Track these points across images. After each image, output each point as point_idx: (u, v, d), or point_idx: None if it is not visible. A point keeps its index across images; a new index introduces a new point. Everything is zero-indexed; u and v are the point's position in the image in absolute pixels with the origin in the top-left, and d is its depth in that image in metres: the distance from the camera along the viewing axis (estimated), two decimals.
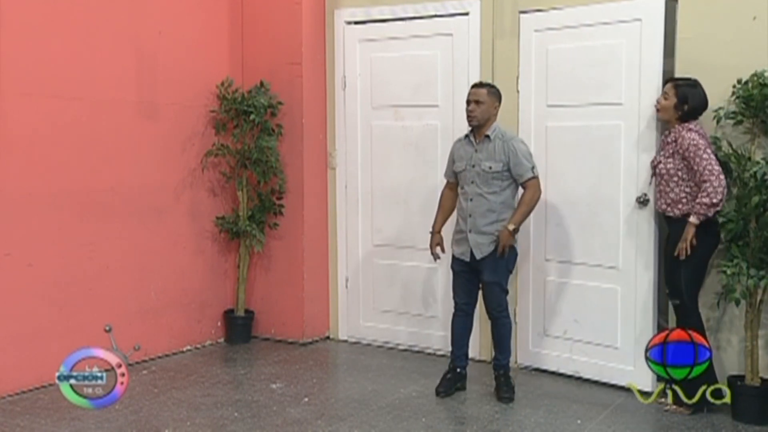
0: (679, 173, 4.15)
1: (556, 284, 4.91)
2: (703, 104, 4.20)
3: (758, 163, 4.01)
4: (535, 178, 4.38)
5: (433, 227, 4.68)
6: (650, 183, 4.42)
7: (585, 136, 4.72)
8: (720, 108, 4.18)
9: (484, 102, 4.40)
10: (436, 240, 4.66)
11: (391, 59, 5.44)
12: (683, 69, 4.39)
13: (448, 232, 4.67)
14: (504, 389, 4.49)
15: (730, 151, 4.15)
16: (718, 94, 4.24)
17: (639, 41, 4.47)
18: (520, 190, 4.46)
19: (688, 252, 4.08)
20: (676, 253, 4.12)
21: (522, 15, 4.91)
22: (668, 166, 4.19)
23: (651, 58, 4.44)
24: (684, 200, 4.15)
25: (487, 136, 4.42)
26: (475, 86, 4.52)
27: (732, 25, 4.30)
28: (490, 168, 4.38)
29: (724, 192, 3.98)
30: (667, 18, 4.42)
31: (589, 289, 4.76)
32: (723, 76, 4.23)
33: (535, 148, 4.89)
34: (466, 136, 4.53)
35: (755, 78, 4.08)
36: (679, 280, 4.15)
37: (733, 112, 4.14)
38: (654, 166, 4.32)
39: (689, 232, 4.06)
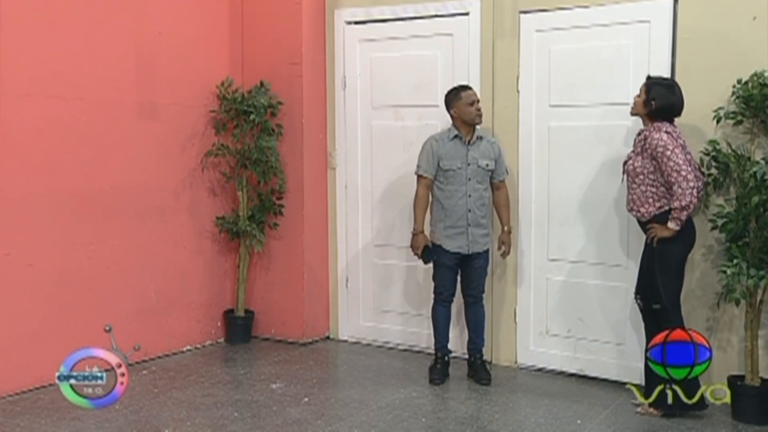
0: (645, 171, 4.11)
1: (560, 283, 4.92)
2: (671, 106, 4.11)
3: (758, 163, 4.00)
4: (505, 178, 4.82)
5: (417, 227, 4.70)
6: (621, 181, 4.39)
7: (590, 136, 4.74)
8: (720, 108, 4.18)
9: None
10: (423, 240, 4.72)
11: (391, 59, 5.44)
12: (683, 69, 4.39)
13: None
14: (483, 372, 4.75)
15: (730, 151, 4.14)
16: (718, 94, 4.24)
17: (648, 42, 4.50)
18: None
19: (656, 236, 4.08)
20: (649, 241, 4.15)
21: (522, 15, 4.91)
22: (636, 164, 4.15)
23: (659, 58, 4.46)
24: (650, 200, 4.12)
25: (480, 137, 4.69)
26: (470, 88, 4.74)
27: (732, 25, 4.30)
28: (487, 165, 4.68)
29: (694, 193, 3.95)
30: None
31: (595, 288, 4.79)
32: (723, 76, 4.23)
33: (536, 148, 4.91)
34: (456, 136, 4.66)
35: (755, 78, 4.07)
36: (656, 285, 4.13)
37: (733, 112, 4.13)
38: (623, 164, 4.30)
39: (664, 231, 4.05)
